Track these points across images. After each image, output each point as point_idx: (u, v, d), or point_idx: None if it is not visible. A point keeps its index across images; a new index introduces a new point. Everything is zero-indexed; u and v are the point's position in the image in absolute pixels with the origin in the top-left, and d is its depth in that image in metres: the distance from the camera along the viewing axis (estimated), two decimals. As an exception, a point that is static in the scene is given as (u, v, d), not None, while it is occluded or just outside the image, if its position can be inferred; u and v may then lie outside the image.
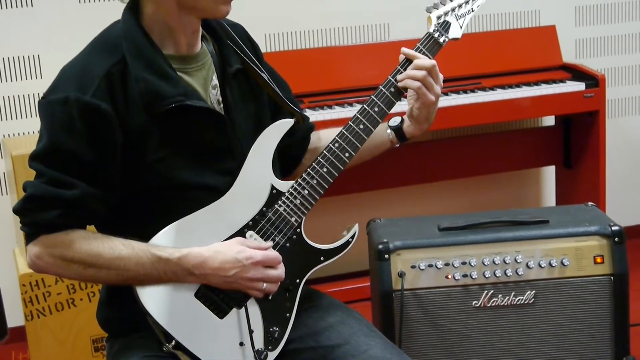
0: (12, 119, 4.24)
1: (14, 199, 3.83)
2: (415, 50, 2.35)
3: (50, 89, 2.13)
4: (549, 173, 5.13)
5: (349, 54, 4.44)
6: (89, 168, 2.10)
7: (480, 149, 4.85)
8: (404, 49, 2.35)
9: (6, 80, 4.21)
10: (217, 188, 2.21)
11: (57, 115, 2.09)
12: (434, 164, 4.73)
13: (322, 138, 2.55)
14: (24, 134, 4.25)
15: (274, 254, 2.20)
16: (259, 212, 2.23)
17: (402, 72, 2.34)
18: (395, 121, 2.45)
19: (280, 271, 2.21)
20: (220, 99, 2.28)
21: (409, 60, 2.35)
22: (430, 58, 2.35)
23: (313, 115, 4.01)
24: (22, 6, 4.16)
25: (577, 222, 2.95)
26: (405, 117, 2.45)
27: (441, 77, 2.37)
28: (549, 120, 5.00)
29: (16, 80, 4.22)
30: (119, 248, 2.13)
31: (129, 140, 2.12)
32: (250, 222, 2.22)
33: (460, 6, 2.42)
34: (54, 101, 2.10)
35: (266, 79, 2.33)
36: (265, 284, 2.18)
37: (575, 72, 4.56)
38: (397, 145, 2.49)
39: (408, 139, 2.47)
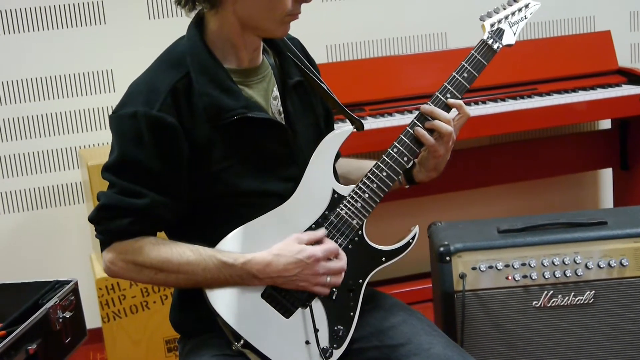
0: (87, 130, 4.33)
1: (89, 207, 3.88)
2: (469, 59, 2.35)
3: (120, 105, 2.20)
4: (606, 175, 5.11)
5: (408, 63, 4.46)
6: (157, 178, 2.16)
7: (538, 152, 4.85)
8: (424, 107, 2.33)
9: (81, 94, 4.29)
10: (280, 194, 2.25)
11: (126, 129, 2.16)
12: (492, 169, 4.74)
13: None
14: (99, 145, 4.34)
15: (331, 246, 2.23)
16: (321, 215, 2.26)
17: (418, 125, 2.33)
18: None
19: (342, 262, 2.24)
20: (281, 109, 2.33)
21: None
22: (459, 98, 2.33)
23: (374, 123, 4.05)
24: (95, 24, 4.26)
25: (635, 223, 2.93)
26: (416, 162, 2.43)
27: (454, 137, 2.35)
28: (606, 124, 4.98)
29: (91, 94, 4.31)
30: (187, 254, 2.18)
31: (194, 151, 2.18)
32: (313, 225, 2.26)
33: (513, 14, 2.42)
34: (123, 115, 2.16)
35: (326, 89, 2.37)
36: (329, 277, 2.22)
37: (631, 76, 4.55)
38: (407, 187, 2.48)
39: (417, 183, 2.47)
